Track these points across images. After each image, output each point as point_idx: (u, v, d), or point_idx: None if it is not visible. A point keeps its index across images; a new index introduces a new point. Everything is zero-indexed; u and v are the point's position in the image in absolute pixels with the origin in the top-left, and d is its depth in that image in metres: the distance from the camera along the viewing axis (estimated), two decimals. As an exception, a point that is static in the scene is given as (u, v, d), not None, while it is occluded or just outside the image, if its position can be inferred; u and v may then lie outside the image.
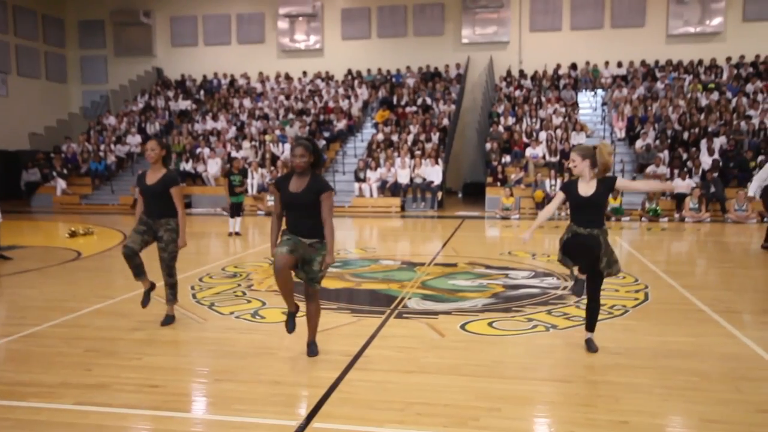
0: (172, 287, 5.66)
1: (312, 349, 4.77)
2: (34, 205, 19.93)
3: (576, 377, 4.38)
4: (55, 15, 26.23)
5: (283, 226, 4.66)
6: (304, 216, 4.50)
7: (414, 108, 21.57)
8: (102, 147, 21.65)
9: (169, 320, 5.68)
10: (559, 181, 16.41)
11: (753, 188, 10.54)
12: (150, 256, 5.75)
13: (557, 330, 5.49)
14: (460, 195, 22.48)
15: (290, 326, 4.71)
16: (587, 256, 4.64)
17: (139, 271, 5.50)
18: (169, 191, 5.47)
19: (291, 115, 21.98)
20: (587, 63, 22.79)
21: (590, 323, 4.92)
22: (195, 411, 3.93)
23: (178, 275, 5.78)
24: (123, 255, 5.39)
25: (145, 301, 5.66)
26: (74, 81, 27.11)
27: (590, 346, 4.86)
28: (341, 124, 21.21)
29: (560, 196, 4.83)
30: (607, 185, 4.68)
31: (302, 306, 4.81)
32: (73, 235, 12.05)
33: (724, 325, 5.65)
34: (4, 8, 23.62)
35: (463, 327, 5.61)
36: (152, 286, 5.67)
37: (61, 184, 19.83)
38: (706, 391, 4.06)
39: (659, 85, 21.16)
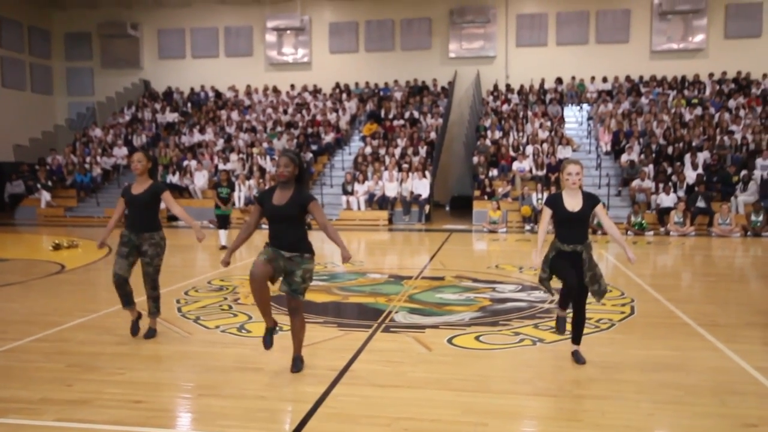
0: (155, 300, 5.60)
1: (297, 365, 4.72)
2: (18, 218, 19.70)
3: (563, 392, 4.37)
4: (42, 27, 26.11)
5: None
6: (285, 228, 4.49)
7: (401, 121, 21.66)
8: (88, 159, 21.49)
9: (151, 333, 5.62)
10: (545, 194, 16.50)
11: None
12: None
13: (544, 344, 5.49)
14: (447, 208, 22.54)
15: (267, 342, 4.67)
16: (571, 274, 4.68)
17: (128, 300, 5.50)
18: (156, 200, 5.45)
19: (279, 128, 21.98)
20: (573, 78, 23.05)
21: (576, 336, 4.93)
22: (179, 427, 3.87)
23: (163, 289, 5.73)
24: (114, 283, 5.40)
25: (135, 330, 5.61)
26: (60, 93, 26.94)
27: (577, 358, 4.87)
28: (329, 137, 21.24)
29: (548, 212, 4.82)
30: (592, 203, 4.72)
31: (285, 320, 4.77)
32: (57, 248, 11.92)
33: (709, 338, 5.68)
34: (-11, 19, 23.50)
35: (450, 341, 5.59)
36: (140, 316, 5.64)
37: (46, 196, 19.62)
38: (692, 405, 4.07)
39: (644, 100, 21.43)
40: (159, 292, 5.62)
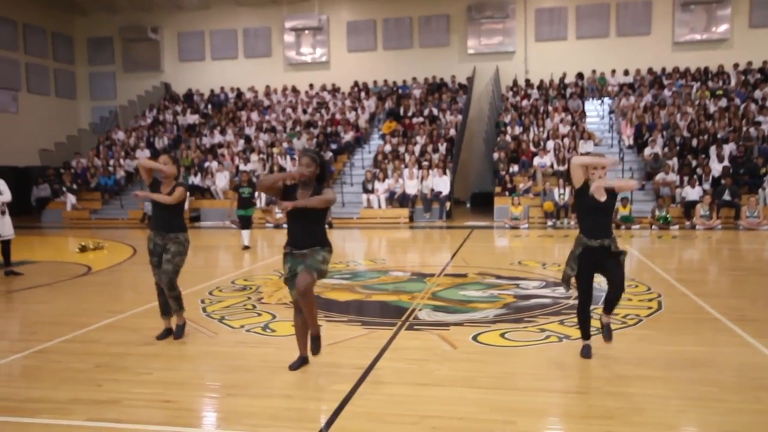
0: (176, 299, 5.60)
1: (315, 344, 4.65)
2: (45, 221, 20.04)
3: (591, 389, 4.32)
4: (65, 32, 26.52)
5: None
6: (305, 226, 4.54)
7: (421, 119, 21.60)
8: (111, 162, 21.79)
9: (178, 331, 5.66)
10: (567, 189, 16.34)
11: None
12: (146, 270, 5.70)
13: (570, 340, 5.43)
14: (468, 205, 22.44)
15: (294, 366, 4.74)
16: (587, 297, 4.79)
17: (166, 309, 5.64)
18: (180, 200, 5.50)
19: (298, 128, 22.06)
20: (593, 71, 22.77)
21: (609, 306, 4.86)
22: (207, 426, 3.89)
23: (187, 289, 5.77)
24: (157, 293, 5.64)
25: (163, 337, 5.66)
26: (83, 97, 27.35)
27: (606, 334, 4.88)
28: (348, 136, 21.26)
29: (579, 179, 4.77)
30: (614, 192, 4.71)
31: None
32: (83, 249, 12.09)
33: (740, 333, 5.56)
34: (14, 27, 23.92)
35: (475, 338, 5.55)
36: (171, 331, 5.70)
37: (71, 199, 19.94)
38: (725, 402, 3.99)
39: (666, 92, 21.10)
40: (178, 291, 5.62)
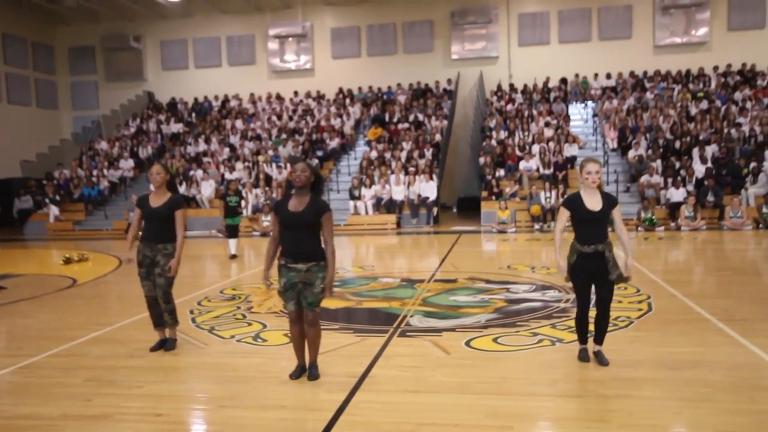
0: (171, 313, 5.55)
1: (313, 373, 4.66)
2: (28, 233, 19.74)
3: (587, 392, 4.32)
4: (45, 42, 26.24)
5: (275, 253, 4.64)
6: (302, 237, 4.45)
7: (406, 124, 21.62)
8: (94, 172, 21.54)
9: (171, 345, 5.58)
10: (553, 193, 16.43)
11: None
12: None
13: (563, 344, 5.43)
14: (454, 210, 22.47)
15: (294, 375, 4.69)
16: (585, 302, 4.75)
17: (159, 321, 5.55)
18: (174, 214, 5.41)
19: (283, 135, 21.98)
20: (576, 75, 22.97)
21: (599, 336, 4.86)
22: (200, 439, 3.83)
23: (176, 299, 5.68)
24: (147, 305, 5.53)
25: (156, 348, 5.58)
26: (65, 107, 27.06)
27: (601, 360, 4.80)
28: (334, 143, 21.22)
29: (565, 213, 4.75)
30: (611, 203, 4.69)
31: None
32: (67, 261, 11.92)
33: (730, 333, 5.60)
34: (-7, 37, 23.62)
35: (468, 344, 5.54)
36: (165, 341, 5.62)
37: (54, 210, 19.66)
38: (720, 402, 4.00)
39: (649, 95, 21.33)
40: (173, 305, 5.57)
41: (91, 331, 6.36)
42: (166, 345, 5.58)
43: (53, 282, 9.84)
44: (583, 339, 4.94)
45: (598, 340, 4.86)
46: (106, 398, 4.41)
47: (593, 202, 4.64)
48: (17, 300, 8.35)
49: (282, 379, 4.70)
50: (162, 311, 5.50)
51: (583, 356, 4.91)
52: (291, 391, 4.48)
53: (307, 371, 4.70)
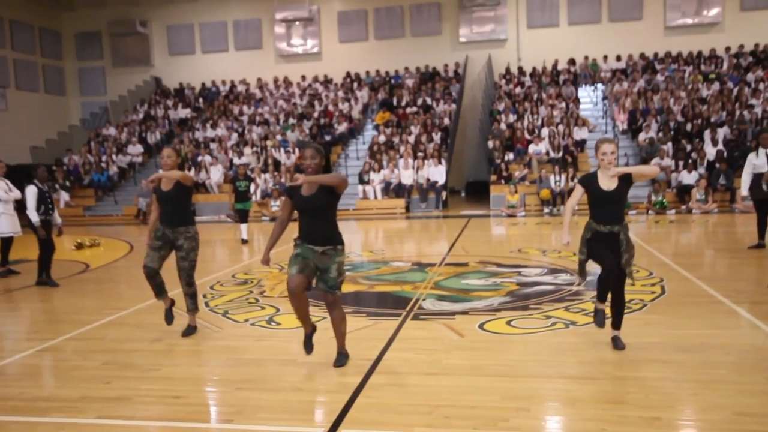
0: (192, 296, 5.58)
1: (340, 359, 4.63)
2: (38, 219, 19.82)
3: (602, 374, 4.32)
4: (52, 28, 26.20)
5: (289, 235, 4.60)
6: (317, 221, 4.44)
7: (414, 108, 21.52)
8: (103, 158, 21.60)
9: (190, 330, 5.60)
10: (563, 176, 16.35)
11: (744, 187, 9.82)
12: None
13: (577, 327, 5.43)
14: (463, 194, 22.42)
15: (308, 348, 4.66)
16: (610, 259, 4.60)
17: (160, 290, 5.52)
18: (185, 193, 5.38)
19: (291, 120, 21.94)
20: (586, 58, 22.74)
21: (616, 321, 4.83)
22: (219, 421, 3.87)
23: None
24: (145, 275, 5.40)
25: (169, 318, 5.61)
26: (73, 93, 27.07)
27: (617, 344, 4.77)
28: (342, 127, 21.16)
29: (579, 190, 4.74)
30: (626, 179, 4.62)
31: (318, 316, 4.75)
32: (79, 247, 12.01)
33: (745, 315, 5.59)
34: (1, 23, 23.59)
35: (481, 326, 5.55)
36: (173, 303, 5.63)
37: (64, 196, 19.76)
38: (736, 384, 4.00)
39: (659, 77, 21.10)
40: (195, 288, 5.60)
41: (105, 316, 6.42)
42: (185, 331, 5.59)
43: (66, 267, 9.92)
44: (602, 296, 4.77)
45: (616, 324, 4.84)
46: (124, 381, 4.46)
47: (608, 182, 4.61)
48: (31, 285, 8.43)
49: (298, 362, 4.73)
50: (161, 282, 5.46)
51: (599, 319, 4.83)
52: (307, 374, 4.51)
53: (336, 357, 4.64)
